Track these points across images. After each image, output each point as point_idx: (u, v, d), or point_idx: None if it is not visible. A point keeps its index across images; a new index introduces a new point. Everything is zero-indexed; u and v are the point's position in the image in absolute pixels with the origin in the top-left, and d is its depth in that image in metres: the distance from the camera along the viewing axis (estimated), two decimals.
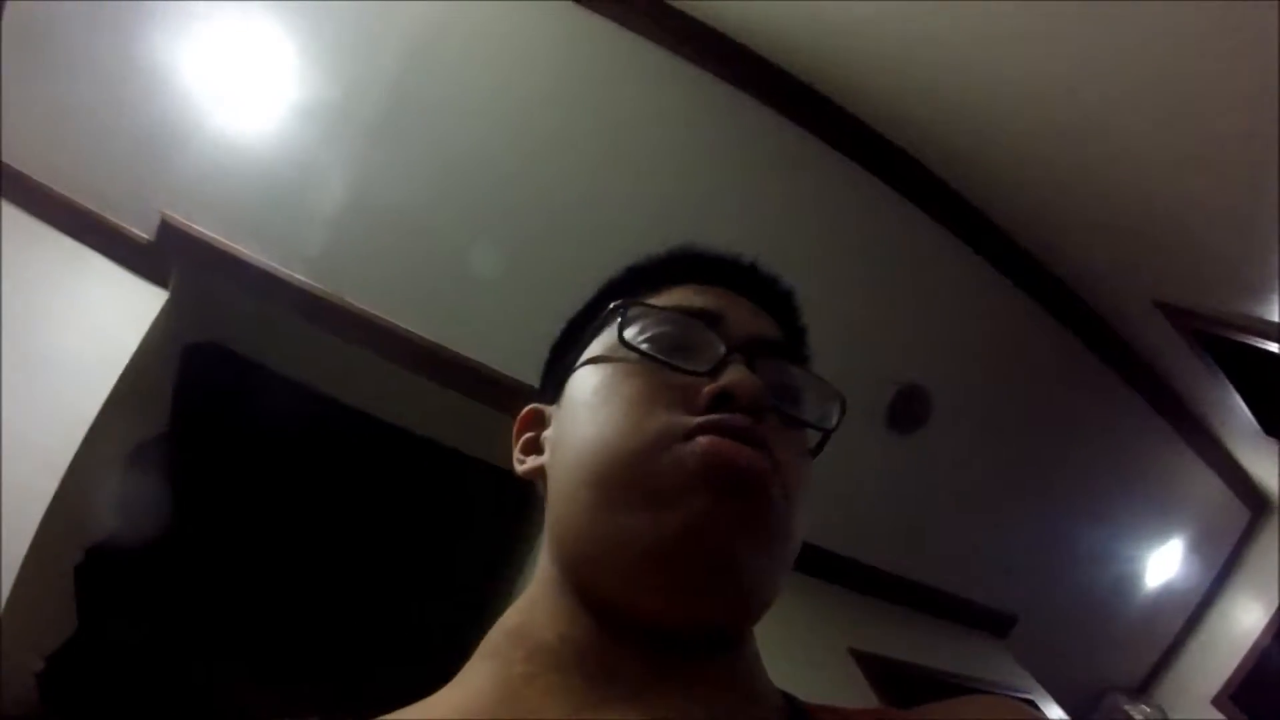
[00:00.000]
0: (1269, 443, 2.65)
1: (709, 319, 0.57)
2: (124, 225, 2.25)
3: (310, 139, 2.26)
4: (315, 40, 2.21)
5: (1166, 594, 3.11)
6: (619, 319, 0.56)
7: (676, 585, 0.48)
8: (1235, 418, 2.67)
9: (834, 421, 0.57)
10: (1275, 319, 2.19)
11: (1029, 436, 2.69)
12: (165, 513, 2.49)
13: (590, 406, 0.55)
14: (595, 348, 0.59)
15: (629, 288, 0.63)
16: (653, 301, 0.59)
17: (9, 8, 2.07)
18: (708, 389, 0.52)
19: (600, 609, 0.51)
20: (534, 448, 0.61)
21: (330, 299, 2.34)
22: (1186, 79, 1.80)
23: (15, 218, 2.16)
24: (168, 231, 2.26)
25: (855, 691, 2.15)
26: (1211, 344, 2.38)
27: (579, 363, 0.59)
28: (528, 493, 0.62)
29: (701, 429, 0.50)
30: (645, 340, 0.56)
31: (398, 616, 2.64)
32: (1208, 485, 3.05)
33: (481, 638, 0.56)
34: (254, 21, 2.18)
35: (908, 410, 2.56)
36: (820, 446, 0.58)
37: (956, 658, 2.52)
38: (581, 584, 0.52)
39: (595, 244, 2.39)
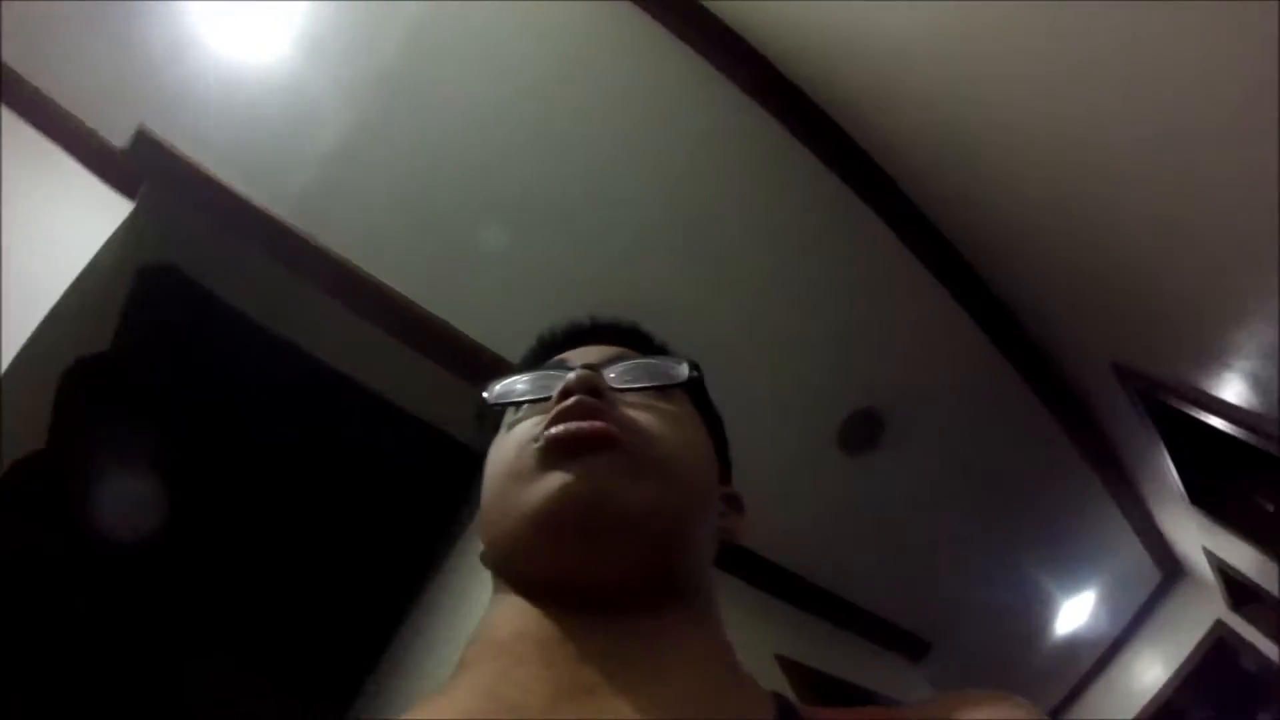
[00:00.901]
0: (1190, 511, 2.78)
1: (557, 363, 0.69)
2: (98, 129, 2.15)
3: (313, 76, 2.18)
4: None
5: (1074, 642, 3.24)
6: (491, 394, 0.68)
7: (562, 543, 0.55)
8: (1164, 483, 2.79)
9: (685, 377, 0.67)
10: (1223, 395, 2.28)
11: (970, 473, 2.77)
12: (92, 433, 2.39)
13: (489, 460, 0.65)
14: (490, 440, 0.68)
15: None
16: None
17: None
18: (554, 395, 0.61)
19: (530, 592, 0.57)
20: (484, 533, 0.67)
21: (303, 238, 2.27)
22: (1178, 148, 1.86)
23: None
24: (143, 143, 2.16)
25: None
26: (1156, 409, 2.48)
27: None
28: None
29: (548, 425, 0.58)
30: (520, 395, 0.67)
31: (324, 578, 2.58)
32: (1127, 543, 3.18)
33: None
34: None
35: (859, 432, 2.61)
36: (710, 411, 0.71)
37: (873, 675, 2.59)
38: (508, 575, 0.59)
39: (588, 231, 2.39)
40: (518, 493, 0.57)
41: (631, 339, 0.75)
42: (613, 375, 0.64)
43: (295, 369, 2.46)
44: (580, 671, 0.52)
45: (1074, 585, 3.18)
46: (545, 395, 0.63)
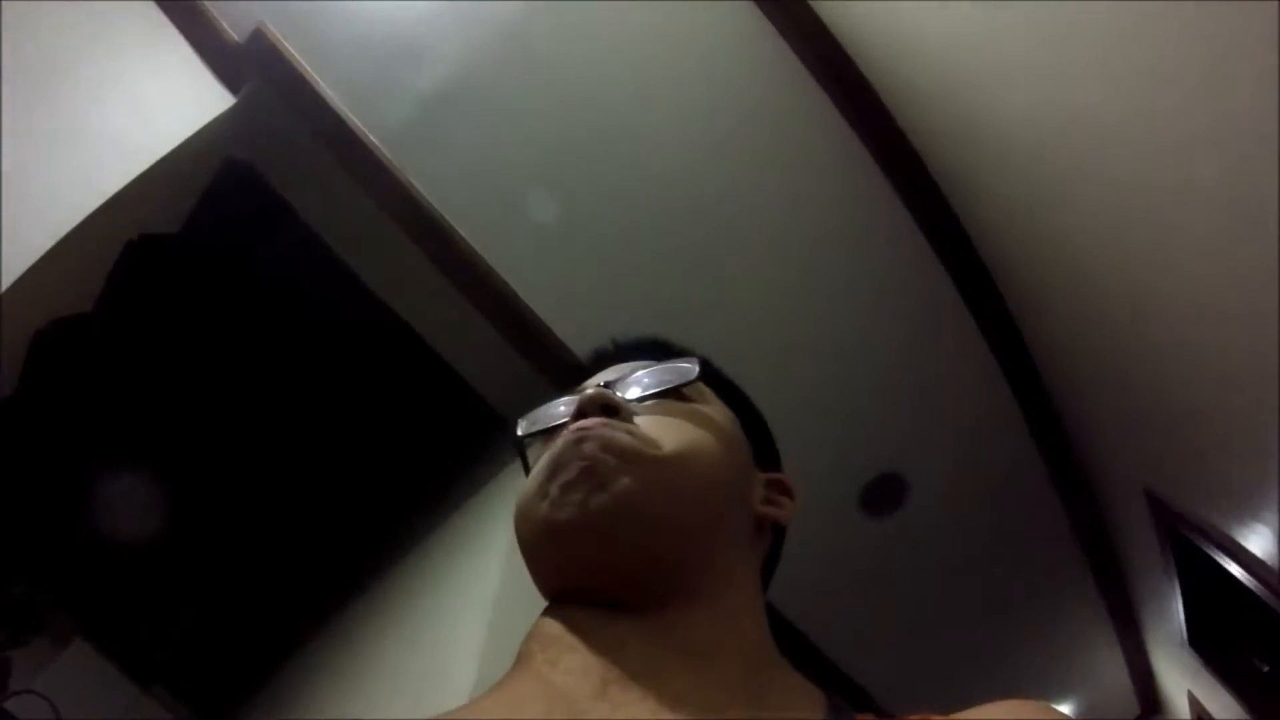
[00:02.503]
0: (1186, 652, 2.74)
1: (579, 387, 0.70)
2: (219, 19, 2.16)
3: (438, 16, 2.19)
4: None
5: None
6: (519, 430, 0.71)
7: (567, 557, 0.58)
8: (1167, 617, 2.76)
9: (693, 375, 0.67)
10: (1248, 545, 2.25)
11: (980, 559, 2.74)
12: (144, 307, 2.40)
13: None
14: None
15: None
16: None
17: None
18: (570, 415, 0.64)
19: (560, 597, 0.60)
20: None
21: (388, 169, 2.27)
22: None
23: None
24: (258, 41, 2.17)
25: None
26: (1178, 542, 2.44)
27: None
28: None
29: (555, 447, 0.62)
30: (534, 427, 0.70)
31: (327, 504, 2.58)
32: (1114, 669, 3.14)
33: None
34: None
35: (883, 494, 2.59)
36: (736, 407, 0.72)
37: None
38: (542, 580, 0.62)
39: (654, 228, 2.38)
40: (530, 510, 0.60)
41: (651, 352, 0.75)
42: (627, 388, 0.67)
43: (348, 296, 2.47)
44: (625, 659, 0.53)
45: (1053, 699, 3.13)
46: (561, 420, 0.66)
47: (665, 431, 0.62)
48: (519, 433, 0.71)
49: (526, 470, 0.68)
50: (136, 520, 2.33)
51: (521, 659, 0.59)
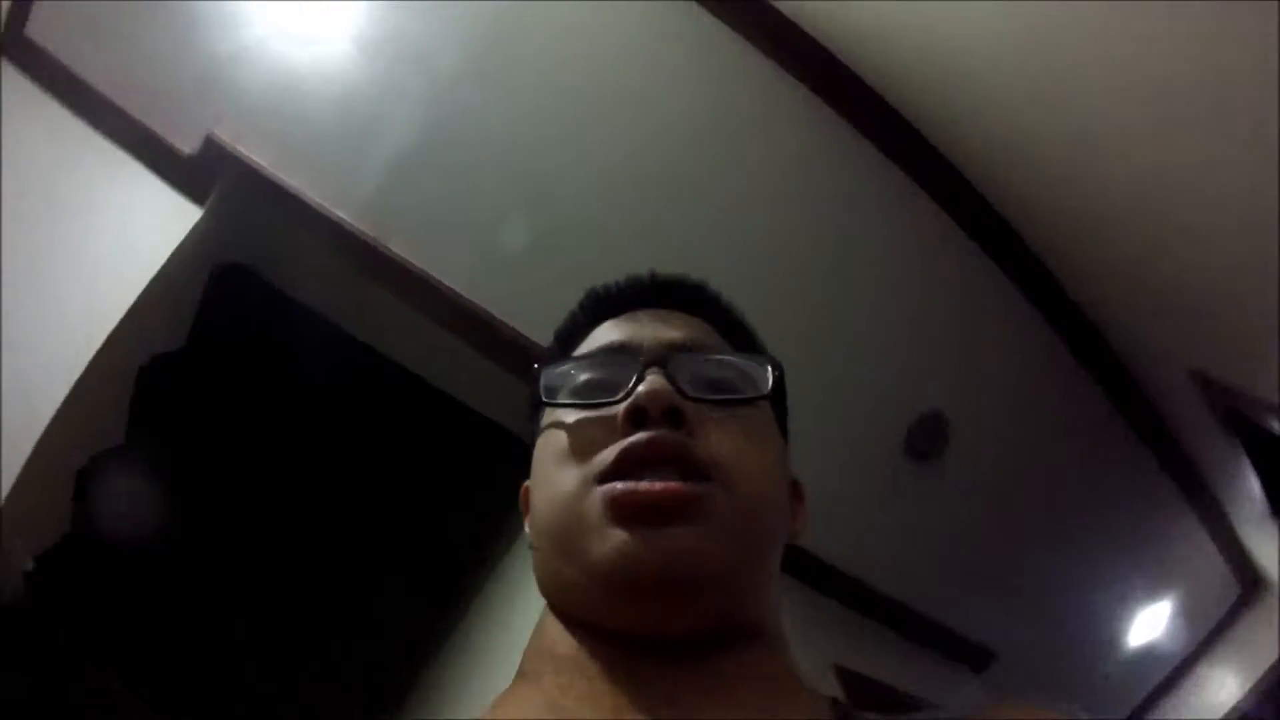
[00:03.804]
0: (1272, 525, 2.66)
1: (621, 347, 0.61)
2: (168, 137, 2.20)
3: (373, 79, 2.19)
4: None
5: (1146, 654, 3.13)
6: (548, 381, 0.61)
7: (626, 606, 0.52)
8: (1245, 495, 2.68)
9: (768, 387, 0.60)
10: None
11: (1041, 479, 2.69)
12: (173, 426, 2.48)
13: (539, 469, 0.61)
14: (544, 418, 0.63)
15: (559, 351, 0.68)
16: (574, 352, 0.65)
17: None
18: (622, 411, 0.55)
19: (579, 627, 0.55)
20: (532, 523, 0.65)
21: (370, 241, 2.30)
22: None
23: (58, 114, 2.09)
24: (212, 149, 2.20)
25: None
26: (1238, 422, 2.37)
27: (537, 436, 0.64)
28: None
29: (615, 470, 0.53)
30: (572, 391, 0.60)
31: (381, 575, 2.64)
32: (1205, 556, 3.06)
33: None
34: None
35: (926, 438, 2.55)
36: (783, 416, 0.65)
37: (933, 686, 2.55)
38: (561, 612, 0.57)
39: (652, 229, 2.36)
40: (581, 542, 0.53)
41: (702, 306, 0.67)
42: (687, 376, 0.57)
43: (362, 365, 2.51)
44: (642, 691, 0.51)
45: (1148, 596, 3.07)
46: (609, 398, 0.57)
47: (736, 457, 0.55)
48: (543, 397, 0.62)
49: (533, 437, 0.64)
50: (203, 612, 2.41)
51: (528, 677, 0.56)
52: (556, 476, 0.57)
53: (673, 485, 0.51)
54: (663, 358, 0.57)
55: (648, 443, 0.53)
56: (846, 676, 2.27)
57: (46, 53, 2.09)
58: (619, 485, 0.52)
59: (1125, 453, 2.75)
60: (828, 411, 2.45)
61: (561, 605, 0.57)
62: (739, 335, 0.68)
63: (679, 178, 2.40)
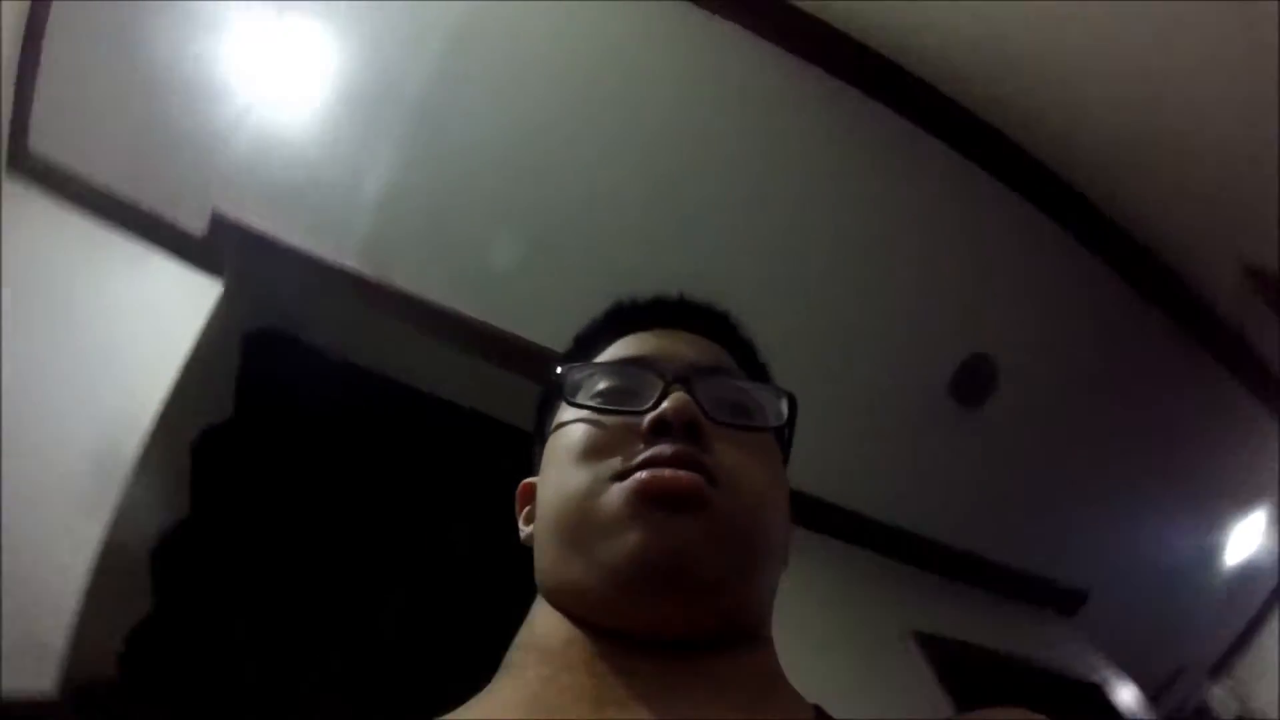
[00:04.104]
0: None
1: (646, 363, 0.62)
2: (177, 221, 2.28)
3: (351, 127, 2.24)
4: (353, 28, 2.18)
5: (1247, 570, 2.97)
6: (569, 383, 0.62)
7: (634, 603, 0.53)
8: None
9: (782, 419, 0.63)
10: None
11: (1104, 406, 2.57)
12: (234, 497, 2.56)
13: (552, 465, 0.61)
14: (558, 415, 0.64)
15: (579, 355, 0.69)
16: (597, 359, 0.66)
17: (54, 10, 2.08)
18: (646, 421, 0.56)
19: (580, 622, 0.55)
20: (531, 518, 0.66)
21: (378, 282, 2.34)
22: None
23: (68, 218, 2.19)
24: (220, 225, 2.28)
25: (917, 679, 2.12)
26: None
27: (547, 433, 0.65)
28: None
29: (639, 465, 0.55)
30: (592, 395, 0.62)
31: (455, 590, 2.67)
32: None
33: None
34: (291, 16, 2.15)
35: (973, 382, 2.47)
36: (786, 447, 0.65)
37: (1023, 638, 2.47)
38: (565, 611, 0.57)
39: (650, 216, 2.35)
40: (593, 535, 0.54)
41: (723, 334, 0.69)
42: (707, 398, 0.59)
43: (396, 399, 2.56)
44: (628, 688, 0.51)
45: (1241, 509, 2.90)
46: (632, 408, 0.59)
47: (744, 472, 0.57)
48: (566, 395, 0.62)
49: (541, 433, 0.66)
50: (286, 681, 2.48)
51: (512, 670, 0.57)
52: (571, 472, 0.58)
53: (693, 477, 0.53)
54: (687, 377, 0.59)
55: (674, 454, 0.54)
56: (928, 642, 2.21)
57: (51, 161, 2.20)
58: (643, 473, 0.54)
59: (1187, 365, 2.60)
60: (872, 365, 2.41)
61: (560, 599, 0.57)
62: (754, 366, 0.70)
63: (688, 159, 2.37)
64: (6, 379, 1.95)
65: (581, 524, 0.55)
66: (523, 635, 0.59)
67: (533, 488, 0.66)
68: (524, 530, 0.67)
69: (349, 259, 2.34)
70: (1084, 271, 2.48)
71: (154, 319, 2.25)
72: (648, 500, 0.53)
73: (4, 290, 2.06)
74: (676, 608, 0.53)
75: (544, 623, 0.57)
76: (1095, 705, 2.34)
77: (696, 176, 2.39)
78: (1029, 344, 2.51)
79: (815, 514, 2.45)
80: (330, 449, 2.73)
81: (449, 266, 2.38)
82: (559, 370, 0.64)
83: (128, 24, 2.16)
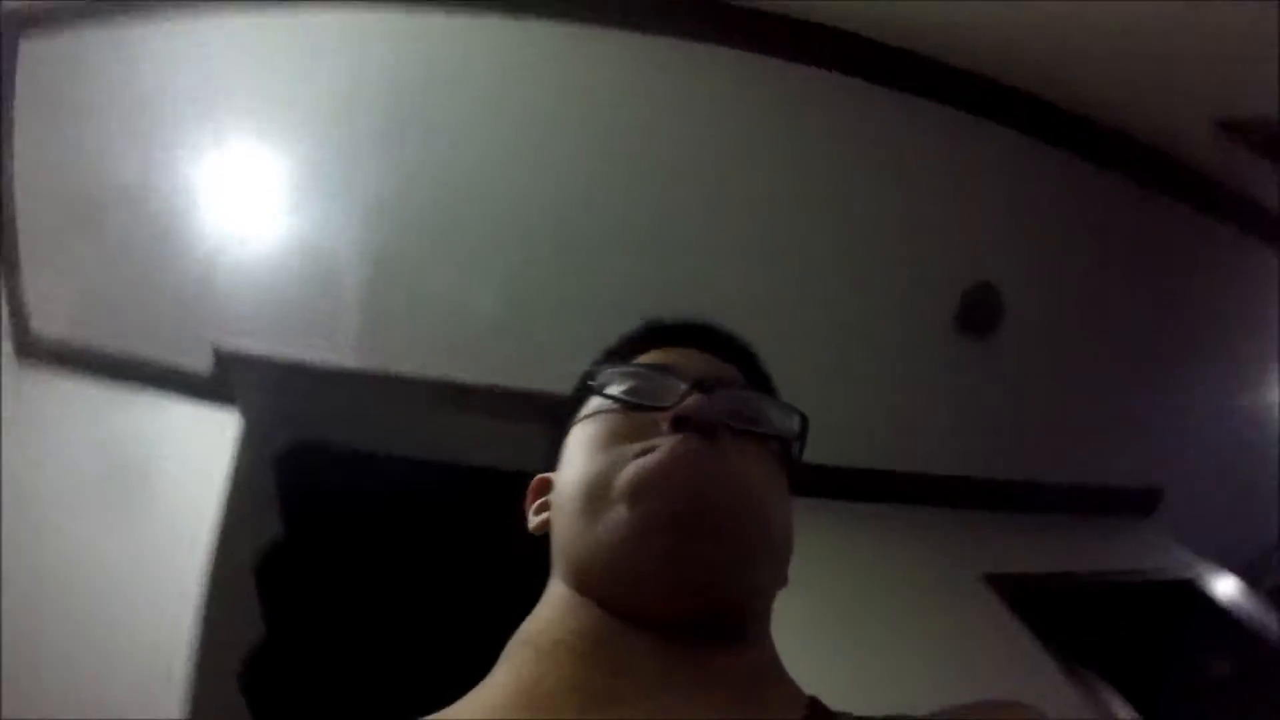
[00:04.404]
0: None
1: (671, 370, 0.66)
2: (181, 365, 2.38)
3: (315, 232, 2.33)
4: (291, 131, 2.30)
5: None
6: (598, 383, 0.67)
7: (650, 576, 0.55)
8: None
9: (795, 433, 0.67)
10: None
11: (1125, 302, 2.49)
12: (306, 606, 2.63)
13: (576, 450, 0.65)
14: (581, 411, 0.68)
15: (608, 362, 0.73)
16: (626, 363, 0.70)
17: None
18: (667, 416, 0.60)
19: (595, 600, 0.57)
20: (545, 508, 0.69)
21: (382, 373, 2.42)
22: None
23: (81, 388, 2.31)
24: (223, 359, 2.39)
25: (996, 622, 2.07)
26: None
27: (569, 428, 0.69)
28: None
29: (660, 446, 0.58)
30: (618, 391, 0.66)
31: None
32: None
33: None
34: (230, 140, 2.26)
35: (980, 311, 2.42)
36: (795, 459, 0.68)
37: (1102, 553, 2.39)
38: (579, 585, 0.59)
39: (631, 229, 2.38)
40: (614, 501, 0.57)
41: (742, 360, 0.73)
42: (724, 406, 0.63)
43: (434, 478, 2.61)
44: (623, 680, 0.53)
45: None
46: (653, 404, 0.63)
47: (758, 482, 0.61)
48: (595, 386, 0.67)
49: (565, 429, 0.69)
50: None
51: (508, 660, 0.59)
52: (593, 455, 0.62)
53: (717, 460, 0.58)
54: (708, 385, 0.63)
55: (689, 453, 0.57)
56: (1001, 584, 2.16)
57: (56, 339, 2.32)
58: (674, 447, 0.57)
59: (1191, 236, 2.50)
60: (875, 322, 2.39)
61: (574, 568, 0.59)
62: (765, 390, 0.73)
63: (654, 171, 2.41)
64: (59, 554, 2.07)
65: (600, 494, 0.58)
66: (524, 628, 0.61)
67: (546, 482, 0.70)
68: (533, 520, 0.70)
69: (348, 358, 2.42)
70: (1058, 170, 2.43)
71: (184, 460, 2.34)
72: (670, 467, 0.56)
73: (42, 470, 2.19)
74: (686, 588, 0.55)
75: (552, 613, 0.59)
76: (1191, 601, 2.25)
77: (668, 183, 2.41)
78: (1025, 259, 2.45)
79: (857, 483, 2.43)
80: (385, 539, 2.79)
81: (440, 338, 2.44)
82: (588, 370, 0.70)
83: (94, 200, 2.29)
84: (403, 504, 2.68)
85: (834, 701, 0.56)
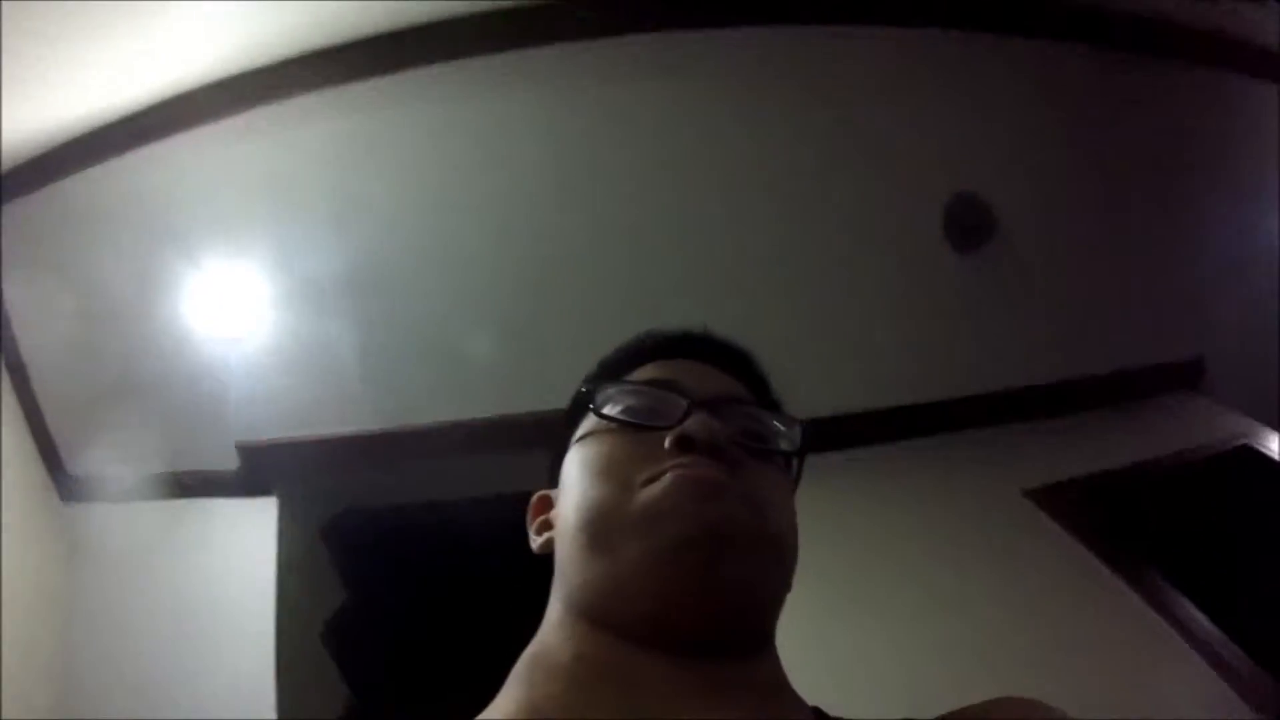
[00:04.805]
0: None
1: (671, 385, 0.64)
2: (211, 467, 2.47)
3: (312, 321, 2.42)
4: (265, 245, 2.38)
5: None
6: (595, 400, 0.64)
7: (666, 598, 0.53)
8: None
9: (798, 447, 0.65)
10: None
11: (1126, 177, 2.35)
12: (384, 666, 2.71)
13: (577, 472, 0.62)
14: (580, 429, 0.66)
15: (604, 376, 0.70)
16: (624, 379, 0.68)
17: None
18: (670, 436, 0.58)
19: (608, 628, 0.56)
20: (546, 527, 0.68)
21: (398, 431, 2.47)
22: None
23: (128, 513, 2.42)
24: (248, 453, 2.48)
25: (1046, 540, 2.02)
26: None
27: (569, 446, 0.67)
28: None
29: (666, 470, 0.56)
30: (618, 410, 0.63)
31: None
32: None
33: None
34: (206, 260, 2.35)
35: (969, 222, 2.33)
36: (797, 477, 0.66)
37: (1153, 436, 2.27)
38: (589, 614, 0.57)
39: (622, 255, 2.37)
40: (624, 534, 0.55)
41: (744, 371, 0.71)
42: (727, 423, 0.60)
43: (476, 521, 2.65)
44: (631, 702, 0.52)
45: None
46: (654, 424, 0.61)
47: (770, 502, 0.59)
48: (595, 407, 0.64)
49: (564, 447, 0.67)
50: None
51: (516, 681, 0.58)
52: (596, 481, 0.60)
53: (728, 479, 0.56)
54: (712, 402, 0.62)
55: (701, 475, 0.56)
56: (1045, 498, 2.08)
57: (91, 475, 2.43)
58: (673, 473, 0.55)
59: (1164, 87, 2.34)
60: (868, 255, 2.34)
61: (584, 599, 0.58)
62: (768, 401, 0.72)
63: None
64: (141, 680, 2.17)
65: (610, 526, 0.56)
66: (530, 649, 0.60)
67: (548, 500, 0.69)
68: (536, 540, 0.68)
69: (371, 422, 2.48)
70: (1021, 59, 2.32)
71: (236, 563, 2.42)
72: (683, 489, 0.54)
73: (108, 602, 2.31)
74: (705, 606, 0.53)
75: (559, 635, 0.58)
76: (1249, 465, 2.14)
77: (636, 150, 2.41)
78: (1006, 158, 2.35)
79: (885, 423, 2.39)
80: (439, 582, 2.84)
81: (451, 384, 2.48)
82: (585, 387, 0.67)
83: (93, 326, 2.38)
84: (450, 545, 2.73)
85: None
